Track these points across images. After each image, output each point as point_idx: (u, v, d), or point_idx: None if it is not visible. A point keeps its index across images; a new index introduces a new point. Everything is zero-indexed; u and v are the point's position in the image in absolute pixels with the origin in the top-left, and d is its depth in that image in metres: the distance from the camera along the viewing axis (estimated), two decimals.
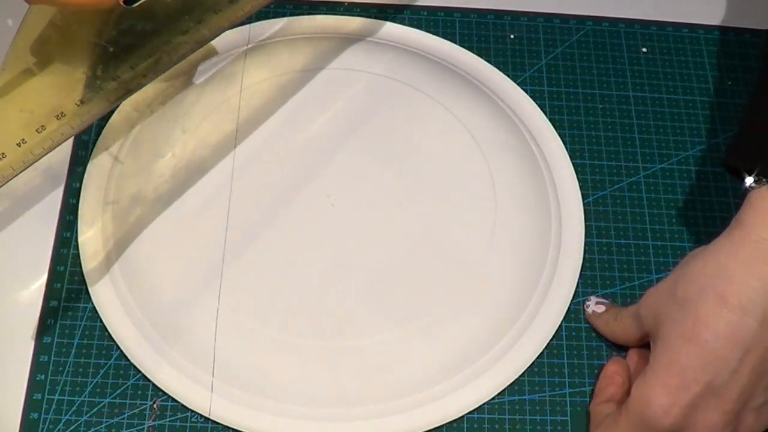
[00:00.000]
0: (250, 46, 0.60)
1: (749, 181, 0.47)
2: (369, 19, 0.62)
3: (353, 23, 0.62)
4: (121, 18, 0.50)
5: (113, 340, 0.51)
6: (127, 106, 0.57)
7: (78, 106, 0.48)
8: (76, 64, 0.49)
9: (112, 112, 0.57)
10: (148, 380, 0.50)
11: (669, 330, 0.46)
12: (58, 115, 0.48)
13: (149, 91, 0.57)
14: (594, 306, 0.53)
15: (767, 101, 0.52)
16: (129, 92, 0.49)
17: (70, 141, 0.56)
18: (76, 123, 0.48)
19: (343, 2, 0.62)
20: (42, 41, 0.48)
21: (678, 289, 0.46)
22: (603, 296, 0.54)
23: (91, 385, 0.50)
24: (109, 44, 0.49)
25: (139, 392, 0.50)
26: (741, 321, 0.44)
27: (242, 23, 0.57)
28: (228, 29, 0.52)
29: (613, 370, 0.51)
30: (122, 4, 0.47)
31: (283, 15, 0.61)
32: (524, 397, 0.51)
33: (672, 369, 0.45)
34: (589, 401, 0.51)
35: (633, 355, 0.51)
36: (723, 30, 0.64)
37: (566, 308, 0.54)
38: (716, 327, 0.44)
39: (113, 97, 0.49)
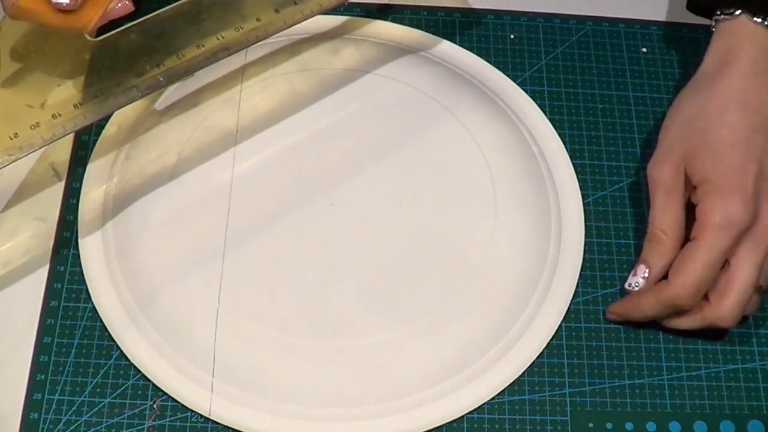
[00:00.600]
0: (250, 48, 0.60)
1: (721, 15, 0.55)
2: (368, 20, 0.62)
3: (353, 24, 0.62)
4: (81, 51, 0.49)
5: (113, 340, 0.51)
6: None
7: (11, 139, 0.46)
8: (25, 96, 0.48)
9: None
10: (148, 380, 0.50)
11: (710, 150, 0.51)
12: None
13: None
14: (635, 276, 0.53)
15: None
16: (65, 133, 0.48)
17: (71, 141, 0.56)
18: (3, 158, 0.46)
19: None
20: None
21: (696, 122, 0.53)
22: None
23: (91, 385, 0.50)
24: (60, 77, 0.48)
25: (139, 392, 0.50)
26: (761, 117, 0.52)
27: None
28: (185, 76, 0.50)
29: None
30: (86, 35, 0.47)
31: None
32: (524, 397, 0.51)
33: (733, 168, 0.51)
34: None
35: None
36: None
37: (566, 308, 0.54)
38: (748, 125, 0.52)
39: (48, 135, 0.47)
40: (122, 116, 0.57)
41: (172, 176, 0.55)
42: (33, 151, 0.47)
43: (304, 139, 0.57)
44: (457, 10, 0.63)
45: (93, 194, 0.55)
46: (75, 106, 0.48)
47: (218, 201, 0.54)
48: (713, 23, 0.56)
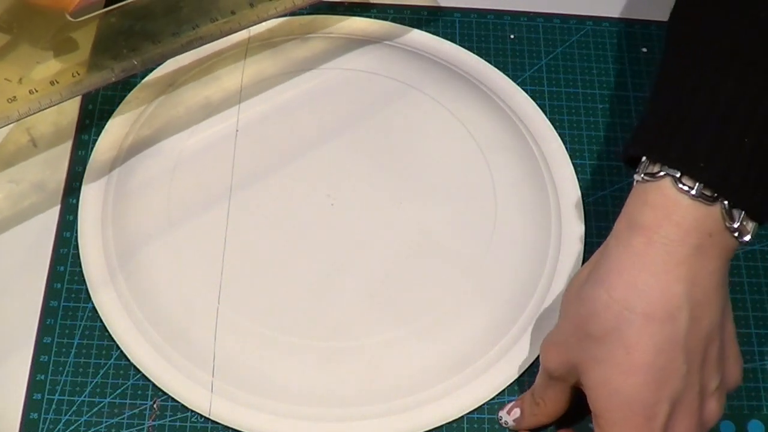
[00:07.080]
0: (250, 46, 0.60)
1: (641, 175, 0.43)
2: (368, 20, 0.62)
3: (353, 23, 0.62)
4: (62, 30, 0.49)
5: (113, 340, 0.51)
6: (131, 102, 0.58)
7: None
8: (4, 69, 0.49)
9: (111, 111, 0.57)
10: (148, 380, 0.50)
11: (601, 373, 0.43)
12: None
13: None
14: (509, 414, 0.50)
15: (669, 85, 0.46)
16: (40, 108, 0.49)
17: (71, 140, 0.56)
18: None
19: (343, 2, 0.62)
20: None
21: (588, 326, 0.43)
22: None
23: (91, 385, 0.50)
24: (40, 54, 0.49)
25: (139, 392, 0.50)
26: (674, 328, 0.42)
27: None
28: (160, 63, 0.52)
29: None
30: (67, 15, 0.48)
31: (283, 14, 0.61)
32: None
33: (631, 408, 0.42)
34: None
35: None
36: None
37: None
38: (653, 345, 0.41)
39: (24, 109, 0.48)
40: (122, 116, 0.57)
41: (170, 178, 0.55)
42: (8, 124, 0.48)
43: (305, 140, 0.57)
44: (457, 10, 0.63)
45: (92, 195, 0.55)
46: (51, 83, 0.49)
47: (218, 202, 0.54)
48: (635, 180, 0.44)
